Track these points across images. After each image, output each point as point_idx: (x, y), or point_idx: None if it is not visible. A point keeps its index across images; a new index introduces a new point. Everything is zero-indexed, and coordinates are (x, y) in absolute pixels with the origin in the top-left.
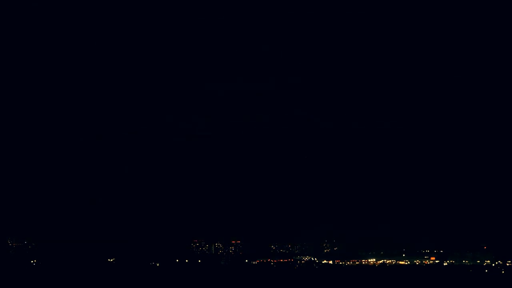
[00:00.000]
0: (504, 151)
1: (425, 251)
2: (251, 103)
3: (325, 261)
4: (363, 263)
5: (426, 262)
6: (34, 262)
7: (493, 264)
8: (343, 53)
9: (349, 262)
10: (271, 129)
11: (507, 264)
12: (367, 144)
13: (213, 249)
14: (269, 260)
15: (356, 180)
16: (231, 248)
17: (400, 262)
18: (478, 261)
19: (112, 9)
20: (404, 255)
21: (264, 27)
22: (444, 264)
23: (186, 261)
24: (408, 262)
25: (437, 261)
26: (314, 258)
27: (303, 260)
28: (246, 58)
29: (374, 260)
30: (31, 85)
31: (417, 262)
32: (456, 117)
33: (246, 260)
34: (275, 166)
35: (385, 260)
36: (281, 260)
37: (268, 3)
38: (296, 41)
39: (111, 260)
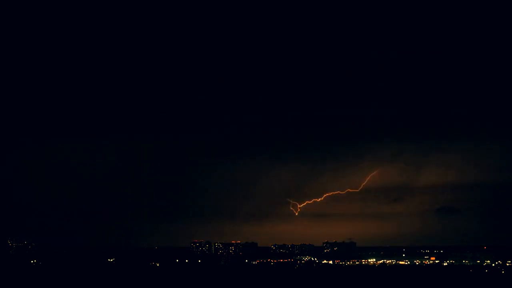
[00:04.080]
0: (504, 151)
1: (425, 251)
2: (248, 104)
3: (325, 261)
4: (363, 263)
5: (426, 262)
6: (34, 262)
7: (493, 264)
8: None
9: (349, 262)
10: (269, 129)
11: (507, 264)
12: (365, 143)
13: (213, 249)
14: (269, 260)
15: (357, 180)
16: (231, 248)
17: (400, 262)
18: (478, 261)
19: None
20: (404, 255)
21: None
22: (444, 264)
23: (186, 261)
24: (408, 262)
25: (437, 261)
26: (314, 258)
27: (303, 260)
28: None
29: (374, 260)
30: (33, 83)
31: (417, 262)
32: (454, 117)
33: (246, 260)
34: (275, 165)
35: (385, 260)
36: (281, 260)
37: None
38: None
39: (111, 260)
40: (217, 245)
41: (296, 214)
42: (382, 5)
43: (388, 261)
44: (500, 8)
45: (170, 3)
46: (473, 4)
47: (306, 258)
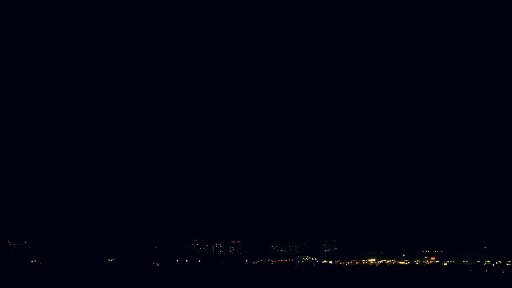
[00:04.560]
0: (504, 152)
1: (425, 251)
2: (246, 105)
3: (325, 261)
4: (363, 263)
5: (426, 262)
6: (34, 262)
7: (493, 264)
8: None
9: (349, 262)
10: (269, 130)
11: (507, 264)
12: (365, 143)
13: (213, 249)
14: (269, 260)
15: (356, 181)
16: (231, 248)
17: (400, 262)
18: (478, 261)
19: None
20: (404, 255)
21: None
22: (444, 264)
23: (186, 261)
24: (408, 262)
25: (437, 261)
26: (314, 258)
27: (303, 260)
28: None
29: (374, 260)
30: (36, 86)
31: (417, 262)
32: (454, 117)
33: (246, 260)
34: (275, 167)
35: (385, 260)
36: (281, 260)
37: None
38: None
39: (111, 260)
40: (217, 245)
41: (296, 214)
42: (382, 5)
43: (388, 261)
44: (500, 8)
45: (170, 3)
46: (473, 4)
47: (306, 258)
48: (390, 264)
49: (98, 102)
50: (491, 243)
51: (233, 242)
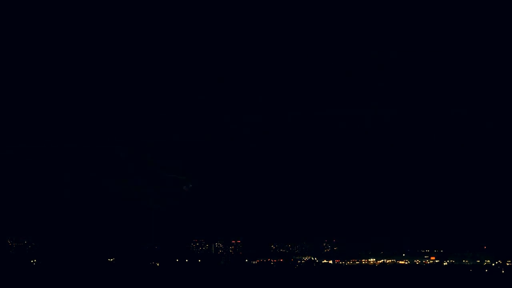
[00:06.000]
0: (504, 151)
1: (425, 251)
2: (246, 105)
3: (325, 261)
4: (363, 263)
5: (426, 262)
6: (34, 262)
7: (493, 264)
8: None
9: (349, 262)
10: (269, 129)
11: (507, 264)
12: (366, 143)
13: (213, 249)
14: (269, 260)
15: (356, 181)
16: (231, 248)
17: (400, 262)
18: (478, 261)
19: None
20: (404, 255)
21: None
22: (444, 264)
23: (186, 261)
24: (408, 262)
25: (437, 261)
26: (314, 258)
27: (303, 260)
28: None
29: (374, 260)
30: (33, 83)
31: (417, 262)
32: (454, 117)
33: (246, 260)
34: (275, 166)
35: (385, 260)
36: (281, 260)
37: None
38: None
39: (111, 260)
40: (217, 245)
41: (296, 213)
42: (382, 5)
43: (388, 261)
44: (500, 8)
45: (170, 3)
46: (473, 4)
47: (306, 258)
48: (390, 264)
49: (97, 102)
50: (491, 243)
51: (233, 242)
